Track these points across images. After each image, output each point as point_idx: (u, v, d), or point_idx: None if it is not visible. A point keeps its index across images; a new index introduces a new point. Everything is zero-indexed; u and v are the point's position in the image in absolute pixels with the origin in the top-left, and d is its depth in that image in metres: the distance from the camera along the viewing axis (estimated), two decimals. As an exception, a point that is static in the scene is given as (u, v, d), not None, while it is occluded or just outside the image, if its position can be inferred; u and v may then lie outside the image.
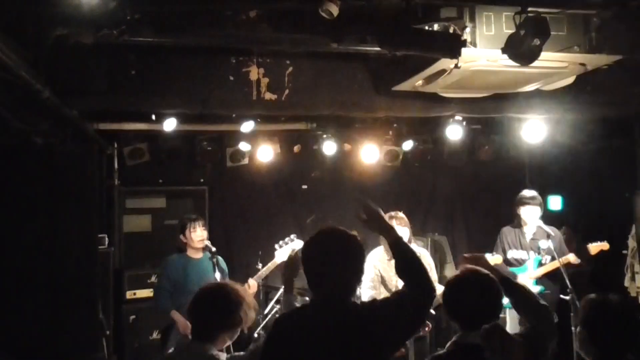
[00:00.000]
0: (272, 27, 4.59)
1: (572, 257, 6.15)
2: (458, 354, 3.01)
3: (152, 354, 6.84)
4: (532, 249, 6.37)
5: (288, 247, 5.91)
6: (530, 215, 6.38)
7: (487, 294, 3.06)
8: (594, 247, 6.25)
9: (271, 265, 5.90)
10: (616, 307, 2.95)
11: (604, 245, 6.26)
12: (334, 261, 2.84)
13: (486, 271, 3.17)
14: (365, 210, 3.07)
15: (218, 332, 3.24)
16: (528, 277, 6.26)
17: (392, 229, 3.09)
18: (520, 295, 3.27)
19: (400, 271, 2.99)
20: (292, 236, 6.04)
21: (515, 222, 6.59)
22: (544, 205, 6.60)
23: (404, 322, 2.84)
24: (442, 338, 7.04)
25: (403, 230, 5.75)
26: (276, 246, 5.93)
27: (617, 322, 2.90)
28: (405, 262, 2.96)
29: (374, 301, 3.04)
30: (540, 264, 6.27)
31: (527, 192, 6.55)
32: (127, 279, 7.29)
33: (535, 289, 6.17)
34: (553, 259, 6.14)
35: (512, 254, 6.48)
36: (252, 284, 5.81)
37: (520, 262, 6.42)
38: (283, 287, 3.58)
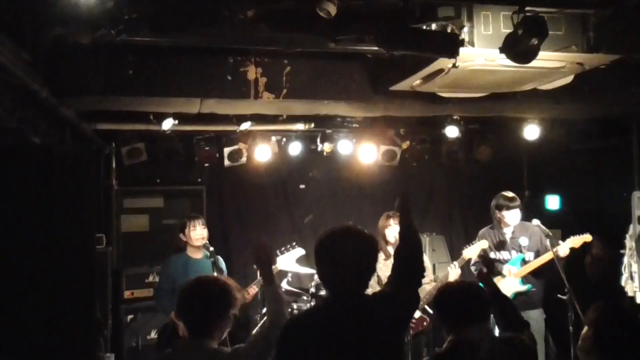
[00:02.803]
0: (269, 26, 4.59)
1: (561, 249, 5.93)
2: (456, 350, 3.05)
3: (150, 353, 6.84)
4: (514, 248, 6.23)
5: (290, 255, 5.92)
6: (513, 218, 6.23)
7: (473, 290, 3.24)
8: (577, 240, 6.08)
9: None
10: (629, 315, 2.97)
11: (587, 237, 6.09)
12: (351, 257, 2.94)
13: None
14: (404, 196, 3.42)
15: (212, 322, 3.23)
16: (514, 276, 6.13)
17: (412, 219, 3.34)
18: (506, 310, 3.41)
19: (399, 259, 3.18)
20: (294, 243, 6.06)
21: (494, 223, 6.42)
22: (542, 204, 6.55)
23: (402, 310, 3.06)
24: (440, 337, 7.06)
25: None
26: (277, 252, 5.93)
27: (628, 330, 2.91)
28: (410, 252, 3.19)
29: (381, 292, 3.18)
30: (524, 262, 6.15)
31: (507, 194, 6.30)
32: (125, 278, 7.28)
33: (523, 287, 6.08)
34: (536, 255, 6.06)
35: (494, 255, 6.34)
36: (253, 289, 5.82)
37: (503, 263, 6.27)
38: (262, 280, 3.60)
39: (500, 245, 6.33)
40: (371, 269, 3.02)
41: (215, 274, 5.46)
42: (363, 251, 2.97)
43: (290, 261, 5.90)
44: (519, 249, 6.20)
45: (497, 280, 6.12)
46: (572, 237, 6.10)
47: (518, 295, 6.04)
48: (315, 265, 3.10)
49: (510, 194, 6.32)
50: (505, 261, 6.27)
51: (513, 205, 6.23)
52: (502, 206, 6.27)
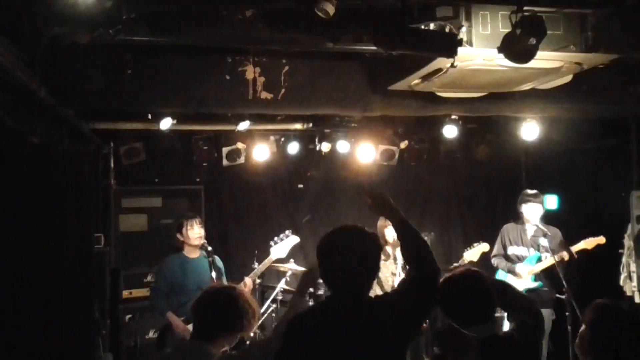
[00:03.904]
0: (268, 26, 4.58)
1: (567, 255, 6.13)
2: None
3: (149, 353, 6.83)
4: (533, 246, 6.45)
5: (284, 244, 5.89)
6: (532, 212, 6.45)
7: (480, 290, 3.11)
8: (591, 242, 6.28)
9: (267, 262, 5.87)
10: (626, 314, 2.96)
11: (600, 240, 6.29)
12: (354, 257, 2.90)
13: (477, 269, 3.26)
14: (370, 193, 3.21)
15: (218, 334, 3.22)
16: (527, 273, 6.34)
17: (397, 210, 3.15)
18: (509, 293, 3.35)
19: (406, 252, 3.12)
20: (287, 232, 6.01)
21: (518, 219, 6.65)
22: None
23: (416, 307, 2.95)
24: (438, 337, 7.06)
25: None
26: (271, 242, 5.91)
27: (625, 329, 2.91)
28: (412, 242, 3.08)
29: (387, 294, 3.11)
30: (539, 261, 6.34)
31: (530, 191, 6.62)
32: (123, 278, 7.28)
33: (534, 284, 6.32)
34: (552, 255, 6.17)
35: (512, 250, 6.55)
36: (248, 282, 5.79)
37: (520, 259, 6.50)
38: (297, 289, 3.52)
39: (520, 241, 6.56)
40: (373, 269, 3.00)
41: (213, 274, 5.46)
42: (365, 250, 2.94)
43: (284, 250, 5.87)
44: (537, 248, 6.42)
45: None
46: (587, 238, 6.31)
47: (528, 291, 6.23)
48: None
49: (533, 190, 6.63)
50: (523, 257, 6.50)
51: (532, 200, 6.50)
52: (522, 200, 6.58)
